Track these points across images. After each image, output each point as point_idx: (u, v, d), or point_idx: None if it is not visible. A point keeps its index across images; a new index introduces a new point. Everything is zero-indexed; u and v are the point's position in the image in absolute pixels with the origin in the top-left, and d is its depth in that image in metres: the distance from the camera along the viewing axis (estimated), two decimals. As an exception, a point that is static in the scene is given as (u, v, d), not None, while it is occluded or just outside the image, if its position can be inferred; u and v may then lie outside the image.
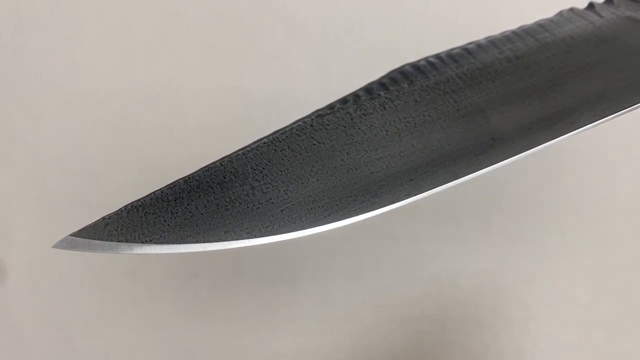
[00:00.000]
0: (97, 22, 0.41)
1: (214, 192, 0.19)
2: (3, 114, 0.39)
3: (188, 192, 0.19)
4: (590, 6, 0.26)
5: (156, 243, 0.18)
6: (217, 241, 0.19)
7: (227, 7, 0.41)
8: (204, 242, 0.19)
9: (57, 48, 0.40)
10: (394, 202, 0.20)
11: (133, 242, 0.18)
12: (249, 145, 0.21)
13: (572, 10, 0.26)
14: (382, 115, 0.22)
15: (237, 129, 0.38)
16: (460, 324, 0.35)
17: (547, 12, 0.27)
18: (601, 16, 0.25)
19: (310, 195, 0.20)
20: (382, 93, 0.22)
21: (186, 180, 0.20)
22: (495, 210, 0.37)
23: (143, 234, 0.19)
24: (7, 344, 0.35)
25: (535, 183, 0.38)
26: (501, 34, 0.24)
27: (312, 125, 0.21)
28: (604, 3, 0.26)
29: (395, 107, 0.22)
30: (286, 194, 0.20)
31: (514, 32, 0.24)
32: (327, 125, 0.21)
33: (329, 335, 0.35)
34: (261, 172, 0.20)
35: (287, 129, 0.21)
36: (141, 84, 0.39)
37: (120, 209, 0.19)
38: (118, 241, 0.18)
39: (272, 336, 0.35)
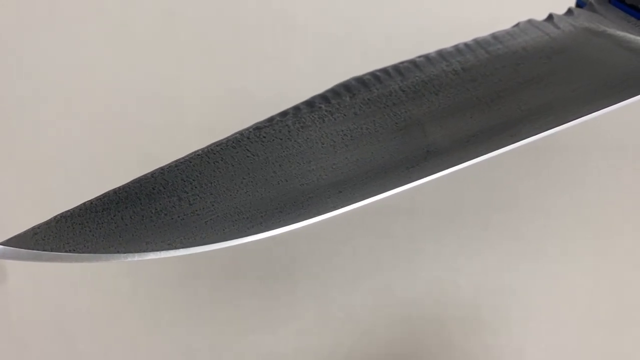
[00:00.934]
0: (97, 22, 0.41)
1: (140, 203, 0.20)
2: (3, 114, 0.39)
3: (116, 203, 0.20)
4: (549, 17, 0.26)
5: (78, 252, 0.19)
6: (137, 252, 0.19)
7: (227, 8, 0.41)
8: (124, 253, 0.19)
9: (57, 48, 0.40)
10: (320, 214, 0.20)
11: (57, 252, 0.19)
12: (183, 157, 0.21)
13: (529, 21, 0.25)
14: (320, 127, 0.22)
15: (237, 129, 0.38)
16: (460, 324, 0.35)
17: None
18: (558, 27, 0.25)
19: (237, 207, 0.20)
20: (323, 106, 0.22)
21: (116, 191, 0.20)
22: (495, 210, 0.37)
23: (67, 243, 0.19)
24: (7, 344, 0.35)
25: (535, 183, 0.38)
26: (453, 46, 0.24)
27: (248, 138, 0.22)
28: (564, 14, 0.26)
29: (335, 120, 0.22)
30: (213, 205, 0.20)
31: (465, 44, 0.24)
32: (264, 137, 0.22)
33: (329, 335, 0.35)
34: (191, 183, 0.20)
35: (223, 141, 0.21)
36: (141, 84, 0.39)
37: (50, 218, 0.19)
38: (43, 250, 0.18)
39: (271, 336, 0.35)
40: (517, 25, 0.25)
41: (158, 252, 0.19)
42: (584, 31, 0.25)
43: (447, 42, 0.25)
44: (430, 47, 0.25)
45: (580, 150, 0.38)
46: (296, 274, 0.36)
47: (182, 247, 0.19)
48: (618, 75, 0.23)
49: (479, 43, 0.24)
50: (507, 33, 0.25)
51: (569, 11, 0.26)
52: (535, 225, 0.37)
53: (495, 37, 0.25)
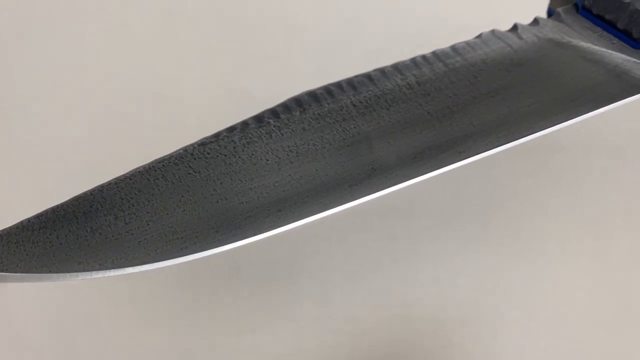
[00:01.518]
0: (97, 22, 0.41)
1: (77, 222, 0.19)
2: (3, 114, 0.39)
3: (53, 222, 0.19)
4: (514, 28, 0.25)
5: (10, 272, 0.18)
6: (69, 272, 0.18)
7: (227, 8, 0.41)
8: (56, 273, 0.18)
9: (57, 48, 0.40)
10: (256, 234, 0.20)
11: None
12: (124, 174, 0.21)
13: (492, 32, 0.25)
14: (266, 143, 0.21)
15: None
16: (460, 324, 0.35)
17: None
18: (521, 38, 0.24)
19: (172, 227, 0.19)
20: (271, 121, 0.22)
21: (54, 209, 0.20)
22: (494, 210, 0.37)
23: (2, 262, 0.18)
24: (7, 344, 0.35)
25: (534, 183, 0.38)
26: (411, 59, 0.24)
27: (192, 154, 0.21)
28: (530, 24, 0.25)
29: (282, 135, 0.22)
30: (148, 224, 0.19)
31: (423, 57, 0.24)
32: (208, 153, 0.21)
33: (329, 335, 0.35)
34: (129, 201, 0.20)
35: (166, 157, 0.21)
36: (141, 84, 0.39)
37: None
38: None
39: (271, 336, 0.35)
40: (479, 36, 0.25)
41: (89, 273, 0.19)
42: (547, 42, 0.24)
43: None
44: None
45: (580, 150, 0.38)
46: (296, 274, 0.36)
47: (114, 268, 0.19)
48: (578, 89, 0.22)
49: (437, 55, 0.24)
50: (468, 44, 0.24)
51: (535, 21, 0.25)
52: (534, 225, 0.37)
53: (454, 49, 0.24)
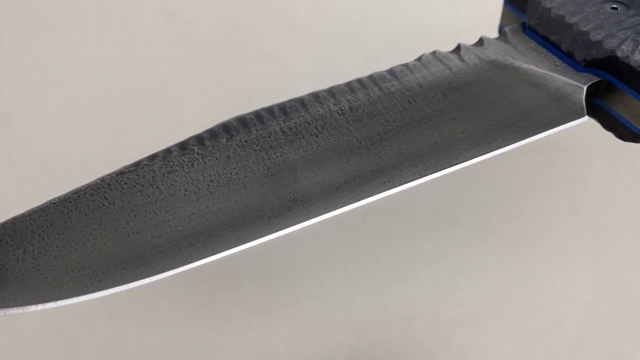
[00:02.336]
0: (97, 22, 0.41)
1: None
2: (3, 114, 0.39)
3: None
4: (457, 48, 0.24)
5: None
6: None
7: (227, 7, 0.41)
8: None
9: (57, 48, 0.40)
10: (166, 271, 0.19)
11: None
12: (39, 205, 0.20)
13: (434, 53, 0.24)
14: (187, 173, 0.20)
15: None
16: (460, 323, 0.35)
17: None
18: (463, 60, 0.24)
19: (80, 262, 0.18)
20: (195, 148, 0.21)
21: None
22: (494, 210, 0.37)
23: None
24: (7, 344, 0.35)
25: (534, 183, 0.38)
26: (347, 82, 0.23)
27: (109, 184, 0.20)
28: (474, 45, 0.25)
29: (205, 164, 0.21)
30: (56, 259, 0.18)
31: (359, 81, 0.23)
32: (126, 183, 0.20)
33: (329, 335, 0.35)
34: (39, 235, 0.19)
35: (82, 188, 0.20)
36: (141, 84, 0.39)
37: None
38: None
39: (271, 336, 0.35)
40: (419, 57, 0.24)
41: None
42: (488, 64, 0.23)
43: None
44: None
45: (580, 150, 0.38)
46: (296, 274, 0.36)
47: (16, 306, 0.18)
48: (516, 114, 0.22)
49: (373, 79, 0.23)
50: (407, 67, 0.23)
51: (480, 41, 0.25)
52: (534, 225, 0.37)
53: (392, 72, 0.23)
